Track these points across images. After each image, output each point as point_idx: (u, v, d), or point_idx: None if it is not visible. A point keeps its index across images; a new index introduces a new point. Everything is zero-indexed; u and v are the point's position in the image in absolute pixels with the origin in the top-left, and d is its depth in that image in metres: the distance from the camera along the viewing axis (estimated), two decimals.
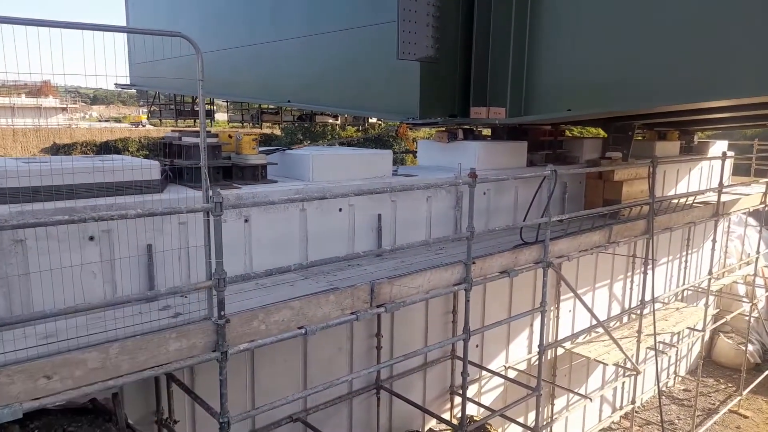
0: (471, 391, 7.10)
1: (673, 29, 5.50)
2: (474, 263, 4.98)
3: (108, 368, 2.99)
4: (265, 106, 23.07)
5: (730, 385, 11.14)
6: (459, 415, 6.80)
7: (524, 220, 6.17)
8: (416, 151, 7.33)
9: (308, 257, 5.21)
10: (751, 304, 10.86)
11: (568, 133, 9.79)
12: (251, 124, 22.55)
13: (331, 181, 5.55)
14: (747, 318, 11.25)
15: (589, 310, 6.69)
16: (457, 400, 6.89)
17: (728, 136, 23.08)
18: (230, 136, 5.41)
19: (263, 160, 5.30)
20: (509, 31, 6.83)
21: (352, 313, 4.16)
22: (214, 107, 23.50)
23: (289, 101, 11.23)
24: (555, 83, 6.66)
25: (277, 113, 22.57)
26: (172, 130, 6.26)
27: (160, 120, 21.54)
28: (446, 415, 6.76)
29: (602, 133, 9.48)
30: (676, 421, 9.90)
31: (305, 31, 8.80)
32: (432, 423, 6.64)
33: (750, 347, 11.82)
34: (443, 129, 7.82)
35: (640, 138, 11.65)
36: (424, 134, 16.32)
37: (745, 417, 10.06)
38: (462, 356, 6.27)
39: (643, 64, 5.79)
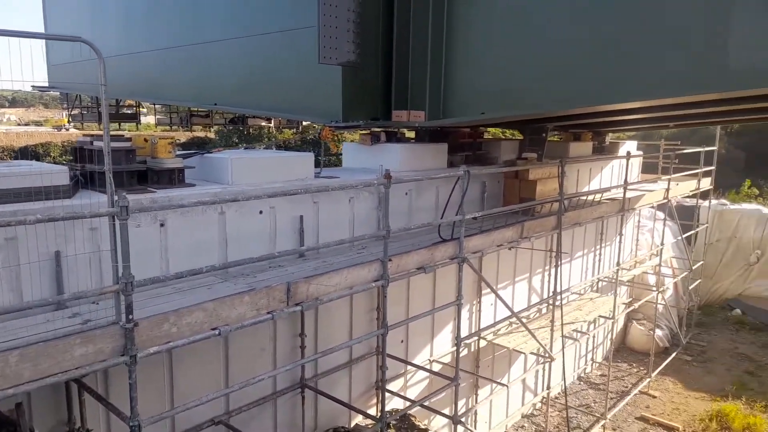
0: (396, 385, 7.33)
1: (574, 39, 5.93)
2: (391, 260, 5.20)
3: (8, 376, 2.96)
4: (195, 109, 22.58)
5: (641, 368, 11.98)
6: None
7: (441, 219, 6.45)
8: (339, 154, 7.50)
9: (228, 260, 5.25)
10: (657, 292, 11.72)
11: (487, 135, 10.24)
12: (181, 128, 22.00)
13: (251, 184, 5.61)
14: (656, 305, 12.14)
15: (504, 302, 7.08)
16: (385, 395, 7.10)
17: (648, 137, 24.71)
18: (146, 140, 5.37)
19: (180, 164, 5.30)
20: (427, 38, 7.12)
21: (268, 313, 4.26)
22: (143, 110, 22.76)
23: (215, 104, 11.14)
24: (470, 88, 7.00)
25: (208, 116, 22.12)
26: (84, 135, 6.11)
27: (82, 123, 20.63)
28: (372, 410, 6.95)
29: (519, 135, 9.98)
30: (593, 404, 10.55)
31: (231, 33, 8.78)
32: (359, 419, 6.81)
33: (659, 332, 12.77)
34: (367, 132, 8.03)
35: (557, 139, 12.35)
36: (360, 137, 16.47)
37: (654, 397, 10.86)
38: (386, 352, 6.52)
39: (547, 70, 6.21)
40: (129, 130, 20.45)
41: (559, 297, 8.10)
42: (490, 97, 6.88)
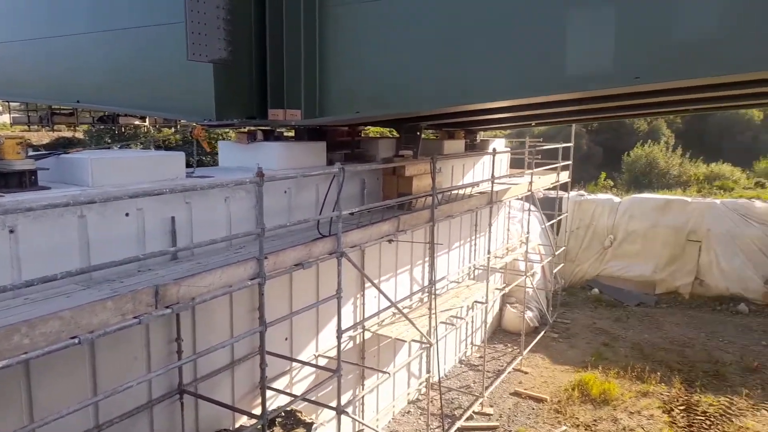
0: (282, 382, 7.36)
1: (437, 41, 6.33)
2: (267, 258, 5.23)
3: None
4: (57, 107, 20.75)
5: (515, 347, 12.98)
6: (270, 408, 7.04)
7: (319, 215, 6.58)
8: (216, 153, 7.36)
9: (91, 264, 4.98)
10: (526, 276, 12.78)
11: (365, 133, 10.55)
12: (42, 127, 20.12)
13: (115, 185, 5.37)
14: (525, 289, 13.23)
15: (383, 294, 7.39)
16: (269, 393, 7.10)
17: (521, 135, 26.51)
18: None
19: (31, 166, 4.94)
20: (300, 37, 7.20)
21: (134, 318, 4.13)
22: None
23: (78, 101, 10.37)
24: (345, 87, 7.19)
25: (72, 114, 20.48)
26: None
27: None
28: (257, 410, 6.92)
29: (396, 133, 10.39)
30: (472, 384, 11.27)
31: (97, 26, 8.25)
32: (243, 419, 6.75)
33: (530, 314, 13.92)
34: (243, 130, 7.95)
35: (433, 137, 12.99)
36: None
37: (526, 373, 11.83)
38: (269, 350, 6.52)
39: (414, 71, 6.57)
40: None
41: (435, 286, 8.54)
42: (363, 96, 7.12)
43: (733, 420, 9.69)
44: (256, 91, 7.54)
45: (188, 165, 6.96)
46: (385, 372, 8.02)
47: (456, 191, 9.71)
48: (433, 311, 8.44)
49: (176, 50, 7.18)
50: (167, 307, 4.37)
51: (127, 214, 5.30)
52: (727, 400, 10.40)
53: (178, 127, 23.44)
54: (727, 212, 16.41)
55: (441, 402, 9.60)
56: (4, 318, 3.69)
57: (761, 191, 28.61)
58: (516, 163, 15.66)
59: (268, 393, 7.04)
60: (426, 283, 10.56)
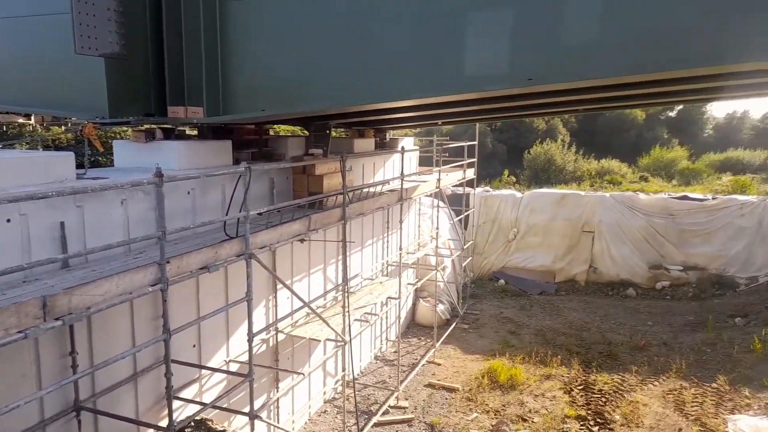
0: (191, 391, 7.07)
1: (339, 40, 6.35)
2: (169, 262, 5.01)
3: None
4: None
5: (428, 340, 13.32)
6: (178, 418, 6.75)
7: (226, 216, 6.38)
8: (100, 151, 6.93)
9: None
10: (437, 270, 13.16)
11: (273, 131, 10.37)
12: None
13: None
14: (437, 283, 13.62)
15: (295, 294, 7.31)
16: (177, 403, 6.80)
17: (429, 133, 27.15)
18: None
19: None
20: (199, 31, 6.95)
21: (19, 332, 3.80)
22: None
23: None
24: (250, 84, 7.03)
25: None
26: None
27: None
28: (165, 422, 6.60)
29: (305, 131, 10.30)
30: (388, 379, 11.45)
31: None
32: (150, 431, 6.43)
33: (441, 307, 14.35)
34: (141, 129, 7.53)
35: (343, 136, 13.02)
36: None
37: (439, 364, 12.19)
38: (176, 359, 6.26)
39: (319, 69, 6.55)
40: None
41: (349, 284, 8.58)
42: (269, 93, 7.00)
43: (625, 396, 10.55)
44: (155, 87, 7.20)
45: (81, 166, 6.51)
46: (299, 373, 7.94)
47: (367, 189, 9.80)
48: (347, 309, 8.47)
49: (64, 43, 6.70)
50: (57, 319, 4.06)
51: (8, 220, 4.85)
52: (620, 377, 11.31)
53: (69, 125, 21.81)
54: (616, 204, 17.83)
55: (356, 399, 9.65)
56: None
57: (645, 184, 31.41)
58: (424, 161, 16.06)
59: (176, 403, 6.77)
60: (339, 281, 10.59)
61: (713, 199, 17.35)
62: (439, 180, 12.48)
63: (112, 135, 16.24)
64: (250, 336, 6.29)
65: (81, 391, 5.54)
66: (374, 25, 6.26)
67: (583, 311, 15.37)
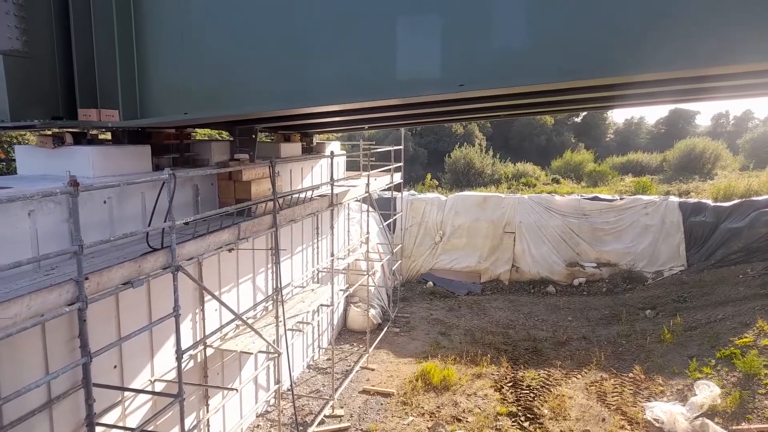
0: (113, 415, 6.54)
1: (269, 39, 6.14)
2: (88, 279, 4.58)
3: None
4: None
5: (361, 346, 13.22)
6: None
7: (149, 226, 5.97)
8: (13, 159, 6.28)
9: None
10: (368, 275, 13.10)
11: (195, 136, 9.89)
12: None
13: None
14: (368, 288, 13.56)
15: (225, 306, 6.96)
16: (99, 429, 6.25)
17: (353, 138, 27.11)
18: None
19: None
20: (112, 28, 6.50)
21: None
22: None
23: None
24: (170, 86, 6.65)
25: None
26: None
27: None
28: None
29: (229, 135, 9.90)
30: (322, 388, 11.22)
31: None
32: None
33: (372, 311, 14.30)
34: (48, 133, 6.91)
35: (268, 140, 12.67)
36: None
37: (373, 370, 12.11)
38: (96, 382, 5.75)
39: (246, 71, 6.30)
40: None
41: (281, 292, 8.31)
42: (192, 96, 6.64)
43: (551, 390, 10.97)
44: (63, 88, 6.65)
45: None
46: (231, 389, 7.57)
47: (297, 195, 9.56)
48: (280, 319, 8.20)
49: None
50: None
51: None
52: (546, 372, 11.76)
53: None
54: (534, 206, 18.62)
55: (295, 410, 9.37)
56: None
57: (557, 186, 33.14)
58: (350, 166, 15.99)
59: (98, 429, 6.23)
60: (270, 290, 10.27)
61: (621, 199, 18.55)
62: (368, 185, 12.43)
63: (7, 139, 14.89)
64: (179, 353, 5.91)
65: None
66: (303, 27, 6.10)
67: (508, 310, 15.88)
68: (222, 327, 7.72)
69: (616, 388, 10.89)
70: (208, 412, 8.36)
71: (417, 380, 11.27)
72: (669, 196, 18.91)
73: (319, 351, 12.97)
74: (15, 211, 5.30)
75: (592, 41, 5.40)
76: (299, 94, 6.28)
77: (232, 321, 7.60)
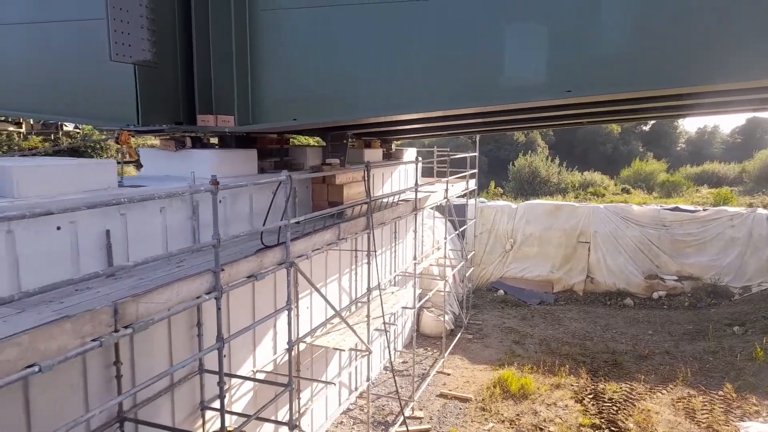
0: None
1: (374, 50, 6.42)
2: (223, 270, 4.96)
3: None
4: None
5: (435, 350, 13.33)
6: (211, 429, 6.65)
7: (264, 225, 6.35)
8: (137, 160, 6.86)
9: (21, 286, 4.43)
10: (444, 281, 13.22)
11: (292, 141, 10.36)
12: None
13: (43, 196, 4.81)
14: (443, 293, 13.67)
15: (329, 303, 7.28)
16: (209, 414, 6.69)
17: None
18: None
19: None
20: (230, 40, 6.96)
21: (94, 340, 3.73)
22: None
23: None
24: (281, 93, 7.04)
25: None
26: None
27: None
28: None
29: (322, 142, 10.31)
30: (400, 389, 11.40)
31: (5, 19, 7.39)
32: None
33: (445, 317, 14.39)
34: (169, 137, 7.47)
35: (351, 146, 13.06)
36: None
37: (448, 374, 12.20)
38: (210, 369, 6.18)
39: (353, 79, 6.59)
40: None
41: (374, 292, 8.58)
42: (301, 103, 7.01)
43: (635, 404, 10.70)
44: (183, 95, 7.17)
45: None
46: (329, 382, 7.88)
47: (384, 199, 9.83)
48: (369, 318, 8.46)
49: (97, 50, 6.65)
50: (126, 327, 3.99)
51: (58, 228, 4.76)
52: (628, 386, 11.47)
53: (60, 134, 21.39)
54: (610, 215, 18.17)
55: (369, 410, 9.59)
56: None
57: (627, 196, 32.07)
58: (423, 172, 16.18)
59: (209, 413, 6.68)
60: (354, 291, 10.58)
61: (704, 210, 17.81)
62: (446, 191, 12.57)
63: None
64: (291, 344, 6.24)
65: (124, 402, 5.42)
66: (409, 36, 6.34)
67: (583, 321, 15.57)
68: (325, 323, 8.03)
69: (705, 405, 10.49)
70: (300, 405, 8.71)
71: (495, 387, 11.27)
72: (757, 208, 18.00)
73: (394, 353, 13.17)
74: (150, 208, 5.78)
75: (699, 48, 5.36)
76: (405, 100, 6.53)
77: (333, 317, 7.91)
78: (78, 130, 22.44)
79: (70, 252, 4.88)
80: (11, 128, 19.70)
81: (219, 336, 5.00)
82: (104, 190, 5.47)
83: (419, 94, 6.45)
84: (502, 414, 10.35)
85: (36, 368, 3.27)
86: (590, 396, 11.07)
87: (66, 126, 21.90)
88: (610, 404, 10.72)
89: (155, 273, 5.30)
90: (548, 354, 13.15)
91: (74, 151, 26.20)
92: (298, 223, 6.49)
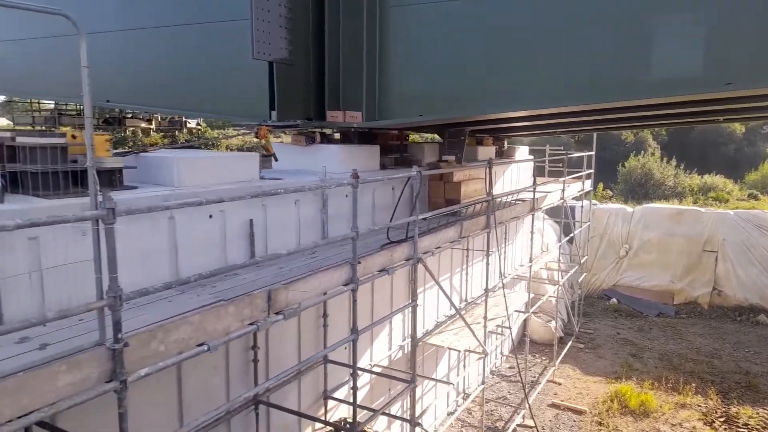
0: (342, 392, 7.11)
1: (506, 43, 6.23)
2: (360, 263, 5.03)
3: None
4: (63, 106, 20.29)
5: (543, 357, 12.84)
6: (332, 418, 6.79)
7: (391, 221, 6.38)
8: (273, 154, 7.13)
9: (179, 268, 4.75)
10: (559, 285, 12.68)
11: (414, 138, 10.41)
12: (46, 128, 19.58)
13: (199, 185, 5.12)
14: (556, 298, 13.11)
15: (451, 301, 7.20)
16: (331, 403, 6.86)
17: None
18: (74, 136, 4.66)
19: (119, 164, 4.68)
20: (361, 36, 7.04)
21: (251, 324, 3.90)
22: None
23: (108, 101, 10.11)
24: (407, 89, 7.03)
25: (79, 115, 19.98)
26: None
27: None
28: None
29: (438, 138, 10.25)
30: (508, 395, 11.09)
31: (125, 24, 8.01)
32: (309, 430, 6.50)
33: (554, 323, 13.80)
34: (298, 132, 7.74)
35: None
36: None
37: (559, 384, 11.69)
38: (333, 360, 6.29)
39: (482, 75, 6.44)
40: None
41: (492, 291, 8.38)
42: (426, 99, 6.96)
43: None
44: (313, 92, 7.36)
45: None
46: (448, 383, 7.81)
47: (503, 198, 9.57)
48: (478, 321, 8.27)
49: (237, 49, 7.00)
50: (277, 313, 4.14)
51: (210, 216, 5.05)
52: (766, 412, 10.36)
53: (184, 130, 23.06)
54: (741, 222, 16.53)
55: (483, 416, 9.38)
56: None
57: (756, 203, 29.07)
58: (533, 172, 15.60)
59: (330, 403, 6.83)
60: (466, 291, 10.42)
61: None
62: (563, 191, 12.04)
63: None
64: (414, 342, 6.23)
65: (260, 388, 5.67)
66: (548, 27, 6.06)
67: (710, 337, 14.29)
68: (446, 322, 7.98)
69: None
70: (414, 403, 8.71)
71: (612, 401, 10.62)
72: None
73: (501, 357, 12.85)
74: (286, 200, 6.00)
75: None
76: (540, 95, 6.28)
77: (453, 317, 7.83)
78: (199, 127, 24.11)
79: (219, 238, 5.17)
80: (143, 125, 21.57)
81: (354, 328, 5.07)
82: (248, 181, 5.74)
83: (556, 88, 6.17)
84: (620, 430, 9.73)
85: (205, 347, 3.46)
86: (721, 420, 10.12)
87: (189, 123, 23.60)
88: (746, 430, 9.73)
89: (293, 262, 5.48)
90: (670, 370, 12.19)
91: (189, 147, 28.26)
92: (425, 219, 6.45)
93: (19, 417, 2.48)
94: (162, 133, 24.60)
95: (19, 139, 4.20)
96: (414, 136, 16.81)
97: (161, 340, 3.20)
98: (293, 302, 4.32)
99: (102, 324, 2.91)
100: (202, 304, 3.98)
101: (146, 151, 5.40)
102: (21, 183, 4.09)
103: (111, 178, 4.58)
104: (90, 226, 3.17)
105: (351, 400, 7.30)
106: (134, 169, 4.95)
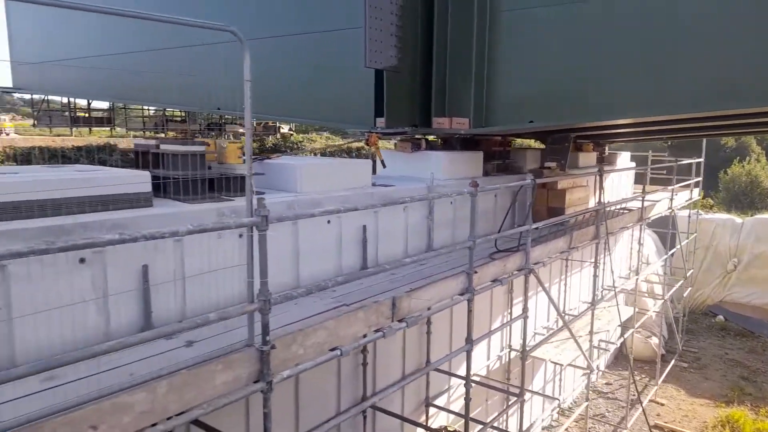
0: (441, 400, 7.07)
1: (622, 48, 5.93)
2: (476, 272, 4.97)
3: (156, 411, 2.55)
4: (171, 113, 21.71)
5: (642, 375, 12.14)
6: (433, 425, 6.77)
7: (499, 230, 6.26)
8: (382, 161, 7.21)
9: (299, 272, 4.90)
10: (663, 300, 11.95)
11: (515, 144, 10.21)
12: (154, 132, 21.08)
13: (318, 192, 5.27)
14: (654, 314, 12.36)
15: (560, 314, 6.97)
16: (432, 410, 6.83)
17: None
18: (208, 145, 4.94)
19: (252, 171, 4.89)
20: (470, 42, 6.96)
21: (376, 330, 3.95)
22: (110, 114, 21.68)
23: (218, 108, 10.69)
24: (516, 95, 6.87)
25: (184, 121, 21.36)
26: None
27: (50, 128, 19.38)
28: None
29: (540, 144, 9.98)
30: (606, 413, 10.58)
31: (262, 33, 8.39)
32: None
33: (655, 340, 13.01)
34: (402, 139, 7.79)
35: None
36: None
37: (662, 404, 11.01)
38: (437, 368, 6.24)
39: (596, 81, 6.17)
40: (100, 135, 19.38)
41: (605, 301, 8.03)
42: (537, 105, 6.77)
43: None
44: (419, 98, 7.38)
45: None
46: (555, 398, 7.57)
47: (611, 207, 9.15)
48: (579, 334, 7.93)
49: (346, 57, 7.16)
50: (400, 321, 4.17)
51: (328, 222, 5.18)
52: None
53: (278, 135, 23.97)
54: None
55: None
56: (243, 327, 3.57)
57: None
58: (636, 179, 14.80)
59: (431, 410, 6.81)
60: (563, 304, 10.05)
61: None
62: (671, 200, 11.34)
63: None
64: (524, 354, 6.08)
65: (367, 389, 5.75)
66: (670, 30, 5.72)
67: None
68: (553, 334, 7.73)
69: None
70: (507, 414, 8.51)
71: (723, 427, 9.86)
72: None
73: (597, 373, 12.28)
74: (396, 207, 6.04)
75: None
76: (661, 101, 5.94)
77: (559, 330, 7.59)
78: (292, 132, 24.98)
79: (335, 244, 5.29)
80: (240, 130, 22.62)
81: (468, 338, 5.02)
82: (362, 188, 5.84)
83: (681, 93, 5.81)
84: None
85: (338, 352, 3.54)
86: None
87: (282, 128, 24.52)
88: None
89: (404, 270, 5.50)
90: None
91: (276, 151, 29.29)
92: (537, 228, 6.29)
93: (178, 414, 2.63)
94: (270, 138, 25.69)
95: (163, 147, 4.50)
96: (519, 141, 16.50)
97: (301, 343, 3.31)
98: (415, 310, 4.33)
99: (251, 326, 3.04)
100: (327, 308, 4.09)
101: (270, 158, 5.62)
102: (164, 188, 4.38)
103: (242, 185, 4.80)
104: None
105: (452, 409, 7.30)
106: (262, 175, 5.16)
